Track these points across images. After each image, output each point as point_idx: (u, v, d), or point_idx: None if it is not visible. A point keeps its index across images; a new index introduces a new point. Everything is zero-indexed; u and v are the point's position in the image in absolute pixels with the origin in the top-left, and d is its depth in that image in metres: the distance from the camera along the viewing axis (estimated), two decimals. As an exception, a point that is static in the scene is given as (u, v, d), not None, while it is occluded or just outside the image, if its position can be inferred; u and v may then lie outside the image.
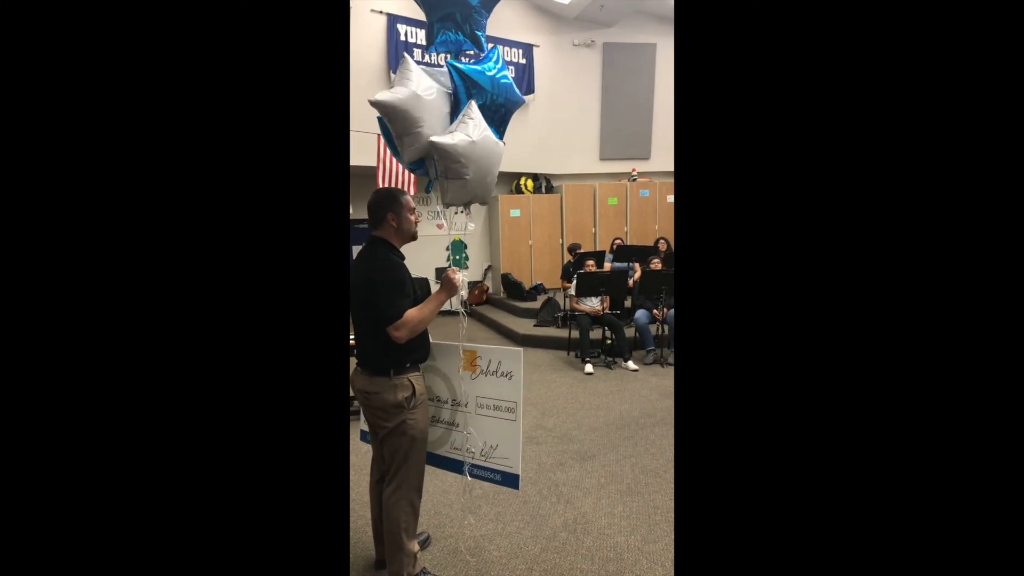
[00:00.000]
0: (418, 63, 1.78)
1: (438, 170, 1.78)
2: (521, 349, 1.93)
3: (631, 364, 4.77)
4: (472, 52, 1.97)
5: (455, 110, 1.83)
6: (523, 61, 7.82)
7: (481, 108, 1.84)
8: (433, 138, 1.70)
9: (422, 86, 1.73)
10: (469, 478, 1.97)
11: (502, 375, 1.91)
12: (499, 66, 1.93)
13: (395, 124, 1.72)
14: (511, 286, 7.60)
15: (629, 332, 5.06)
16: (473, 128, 1.75)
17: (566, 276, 5.87)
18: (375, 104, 1.66)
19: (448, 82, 1.83)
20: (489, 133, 1.81)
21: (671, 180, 8.75)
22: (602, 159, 8.75)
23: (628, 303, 5.59)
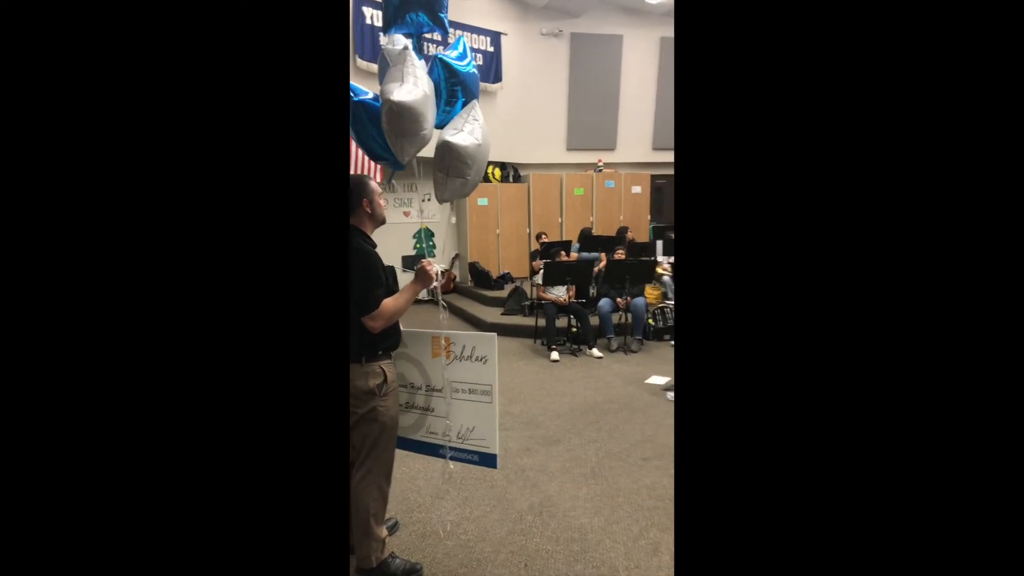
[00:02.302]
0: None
1: (439, 166, 1.78)
2: (495, 333, 1.97)
3: (595, 352, 4.88)
4: (434, 35, 1.95)
5: (436, 103, 1.83)
6: (491, 49, 7.78)
7: (450, 100, 1.85)
8: (448, 138, 1.72)
9: (427, 83, 1.70)
10: (450, 462, 2.02)
11: (477, 359, 1.95)
12: (469, 59, 1.94)
13: (403, 123, 1.63)
14: (478, 275, 7.62)
15: (594, 321, 5.15)
16: (479, 129, 1.78)
17: (534, 258, 6.04)
18: (397, 104, 1.58)
19: (418, 71, 1.83)
20: (487, 133, 1.83)
21: (636, 172, 8.89)
22: (569, 149, 8.81)
23: (593, 292, 5.69)
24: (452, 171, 1.77)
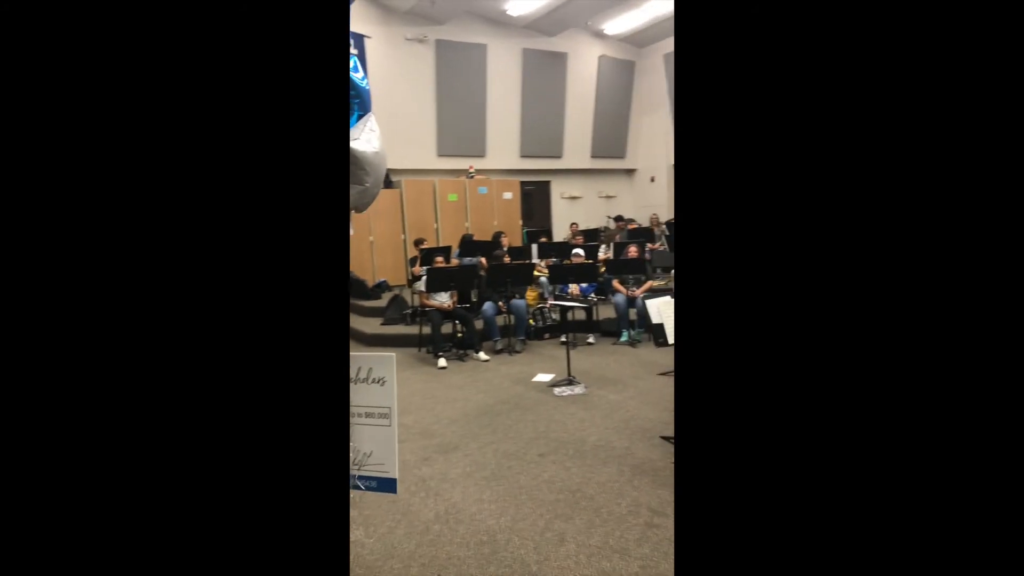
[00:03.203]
0: None
1: None
2: (393, 354, 1.92)
3: (482, 355, 4.94)
4: None
5: None
6: (355, 51, 7.54)
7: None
8: (352, 144, 1.67)
9: (380, 144, 1.76)
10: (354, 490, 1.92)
11: (374, 381, 1.88)
12: (362, 74, 1.96)
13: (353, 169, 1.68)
14: (354, 284, 7.32)
15: (478, 324, 5.22)
16: (376, 139, 1.76)
17: (412, 265, 6.04)
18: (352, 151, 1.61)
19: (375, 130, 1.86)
20: (383, 145, 1.83)
21: (506, 178, 9.15)
22: (440, 155, 8.83)
23: (475, 296, 5.76)
24: (353, 179, 1.73)
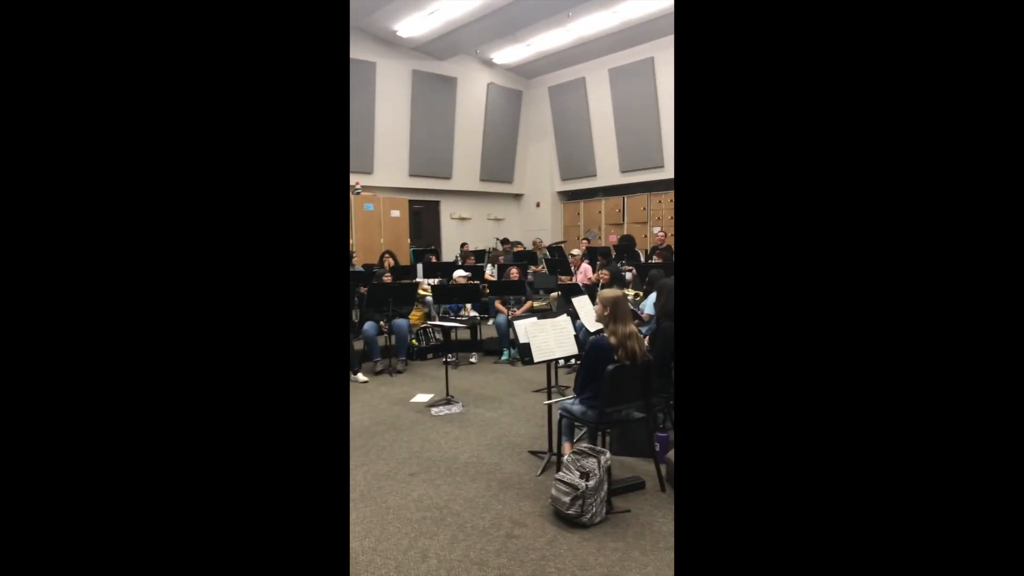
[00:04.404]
0: None
1: None
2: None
3: (360, 376, 4.85)
4: None
5: None
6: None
7: None
8: None
9: None
10: None
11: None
12: None
13: None
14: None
15: (358, 345, 5.12)
16: None
17: None
18: None
19: None
20: None
21: (394, 196, 9.11)
22: (325, 170, 8.58)
23: (356, 316, 5.64)
24: None
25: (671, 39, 8.51)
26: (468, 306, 5.67)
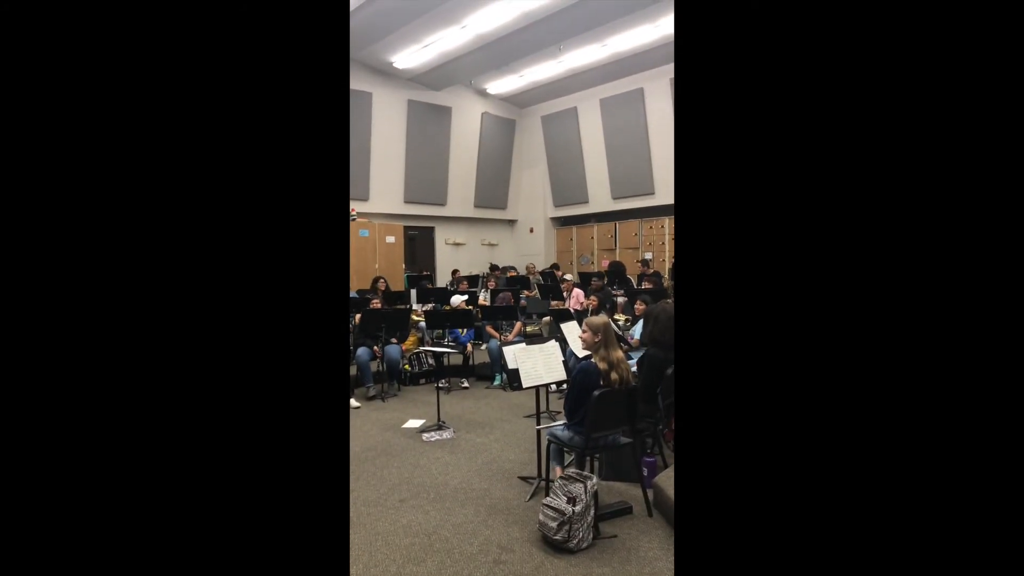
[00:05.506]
0: None
1: None
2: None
3: (353, 402, 4.87)
4: None
5: None
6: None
7: None
8: None
9: None
10: None
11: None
12: None
13: None
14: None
15: (352, 370, 5.14)
16: None
17: None
18: None
19: None
20: None
21: (389, 222, 9.21)
22: (321, 197, 8.68)
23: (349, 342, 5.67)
24: None
25: (660, 70, 8.77)
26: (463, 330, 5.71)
